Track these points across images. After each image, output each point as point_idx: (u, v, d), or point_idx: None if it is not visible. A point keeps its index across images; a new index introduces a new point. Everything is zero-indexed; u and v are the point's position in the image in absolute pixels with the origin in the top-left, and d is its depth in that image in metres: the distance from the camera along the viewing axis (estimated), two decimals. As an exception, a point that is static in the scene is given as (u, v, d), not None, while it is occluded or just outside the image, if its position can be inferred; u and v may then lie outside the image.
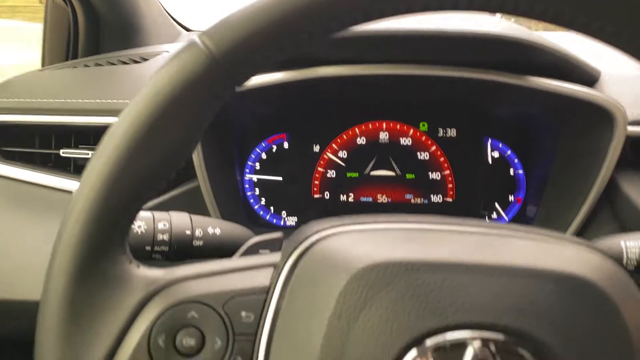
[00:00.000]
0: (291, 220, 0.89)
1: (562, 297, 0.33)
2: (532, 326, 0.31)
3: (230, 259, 0.40)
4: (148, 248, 0.49)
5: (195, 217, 0.52)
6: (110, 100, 0.74)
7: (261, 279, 0.36)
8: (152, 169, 0.32)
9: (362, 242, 0.36)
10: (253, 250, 0.48)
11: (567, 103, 0.72)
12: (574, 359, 0.31)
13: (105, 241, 0.33)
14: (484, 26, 0.69)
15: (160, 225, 0.49)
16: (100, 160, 0.31)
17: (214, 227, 0.52)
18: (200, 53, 0.31)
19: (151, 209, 0.51)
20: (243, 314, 0.35)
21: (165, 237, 0.49)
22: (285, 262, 0.36)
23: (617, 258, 0.49)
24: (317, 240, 0.36)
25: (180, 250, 0.50)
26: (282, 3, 0.30)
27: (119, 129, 0.31)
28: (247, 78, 0.33)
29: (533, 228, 0.39)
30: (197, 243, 0.51)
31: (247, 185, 0.89)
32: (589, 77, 0.75)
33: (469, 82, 0.74)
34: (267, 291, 0.35)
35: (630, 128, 0.70)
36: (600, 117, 0.70)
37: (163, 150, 0.32)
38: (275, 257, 0.38)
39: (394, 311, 0.32)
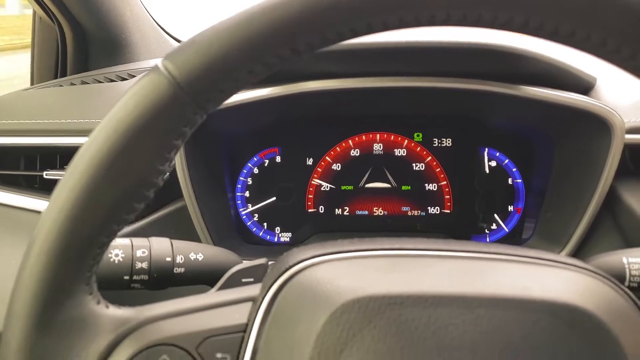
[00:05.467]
0: (285, 236, 0.87)
1: (557, 331, 0.31)
2: None
3: (207, 294, 0.38)
4: (126, 277, 0.47)
5: (177, 243, 0.50)
6: (94, 120, 0.72)
7: (238, 315, 0.35)
8: (117, 200, 0.30)
9: (342, 273, 0.34)
10: (235, 279, 0.46)
11: (562, 112, 0.70)
12: None
13: (69, 282, 0.31)
14: (475, 37, 0.67)
15: (139, 253, 0.47)
16: (63, 192, 0.30)
17: (196, 252, 0.50)
18: (162, 80, 0.29)
19: (136, 231, 0.49)
20: (218, 355, 0.33)
21: (145, 265, 0.47)
22: (264, 296, 0.34)
23: (618, 276, 0.47)
24: (298, 271, 0.35)
25: (161, 279, 0.48)
26: (247, 24, 0.28)
27: (82, 160, 0.30)
28: (216, 104, 0.31)
29: (524, 249, 0.37)
30: (178, 270, 0.49)
31: (239, 202, 0.87)
32: (584, 85, 0.73)
33: (463, 92, 0.72)
34: (244, 330, 0.34)
35: (629, 136, 0.67)
36: (597, 125, 0.68)
37: (129, 181, 0.30)
38: (255, 290, 0.36)
39: (376, 352, 0.30)
